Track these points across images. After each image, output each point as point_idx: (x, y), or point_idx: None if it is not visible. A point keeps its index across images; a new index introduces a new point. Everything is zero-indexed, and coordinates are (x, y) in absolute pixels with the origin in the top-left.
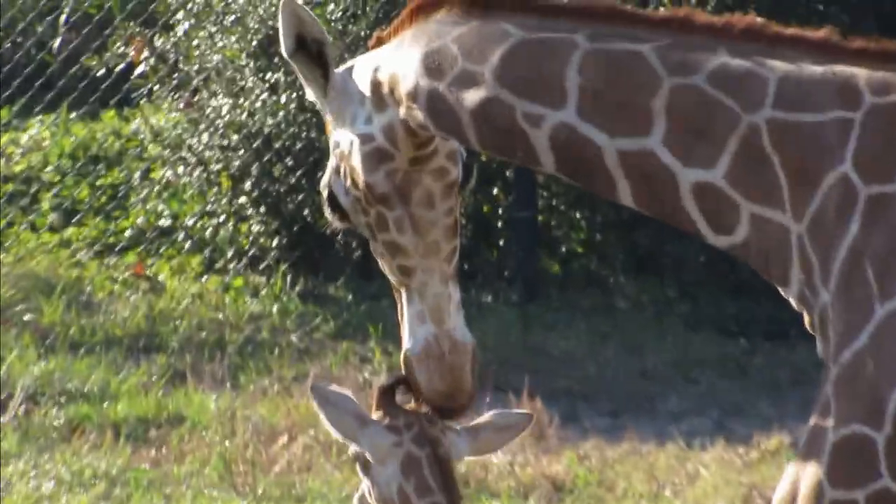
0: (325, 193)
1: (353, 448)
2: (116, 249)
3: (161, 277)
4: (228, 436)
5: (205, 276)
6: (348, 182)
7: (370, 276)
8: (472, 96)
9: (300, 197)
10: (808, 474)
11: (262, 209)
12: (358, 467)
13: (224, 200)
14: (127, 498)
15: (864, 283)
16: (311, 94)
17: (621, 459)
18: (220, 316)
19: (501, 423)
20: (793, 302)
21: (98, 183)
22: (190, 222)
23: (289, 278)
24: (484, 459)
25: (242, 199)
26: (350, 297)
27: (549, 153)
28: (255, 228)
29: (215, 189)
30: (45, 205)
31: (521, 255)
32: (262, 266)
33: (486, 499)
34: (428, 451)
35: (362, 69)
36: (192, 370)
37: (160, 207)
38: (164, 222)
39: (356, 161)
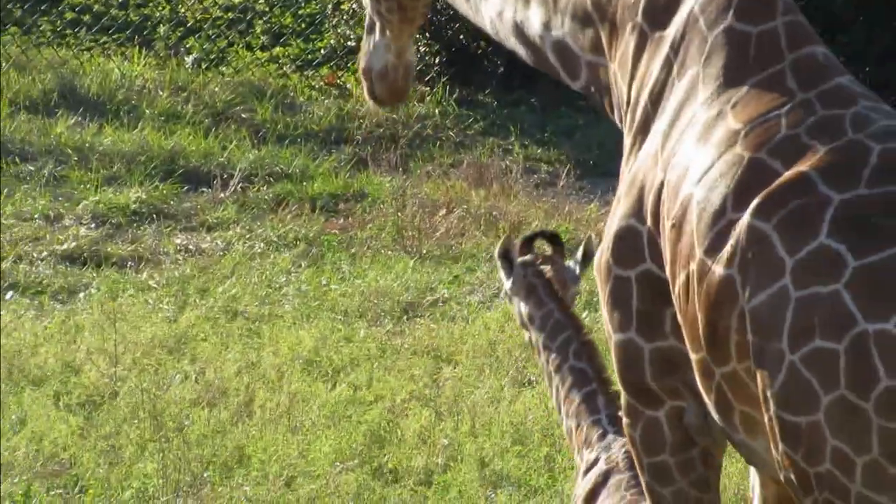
0: None
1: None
2: (314, 64)
3: (349, 85)
4: (400, 208)
5: None
6: None
7: (511, 88)
8: None
9: (457, 25)
10: None
11: (427, 35)
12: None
13: None
14: (321, 256)
15: None
16: None
17: None
18: (395, 116)
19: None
20: None
21: (300, 12)
22: None
23: (447, 88)
24: None
25: None
26: (495, 102)
27: None
28: (423, 49)
29: None
30: (258, 28)
31: None
32: (427, 78)
33: None
34: (542, 280)
35: None
36: (373, 158)
37: (348, 32)
38: (352, 43)
39: None
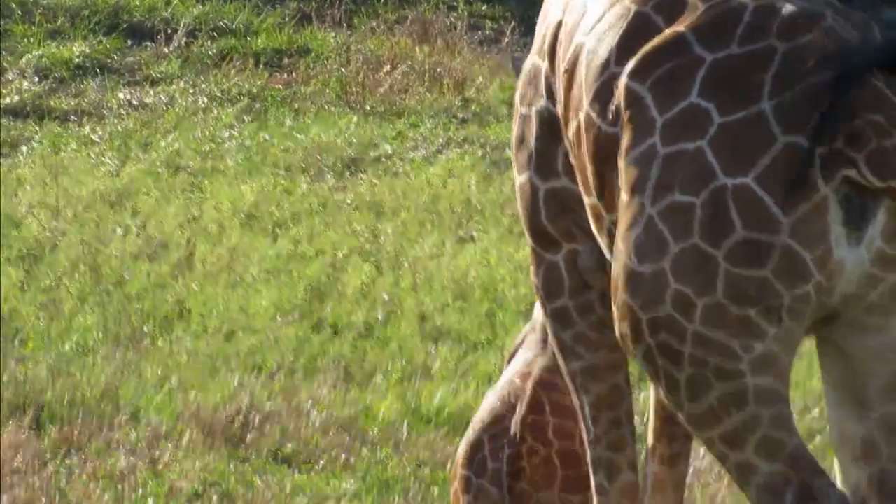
0: None
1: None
2: None
3: None
4: (344, 64)
5: None
6: None
7: None
8: None
9: None
10: None
11: None
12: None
13: None
14: (264, 111)
15: None
16: None
17: None
18: None
19: None
20: None
21: None
22: None
23: None
24: None
25: None
26: None
27: None
28: None
29: None
30: None
31: None
32: None
33: None
34: None
35: None
36: (317, 13)
37: None
38: None
39: None
